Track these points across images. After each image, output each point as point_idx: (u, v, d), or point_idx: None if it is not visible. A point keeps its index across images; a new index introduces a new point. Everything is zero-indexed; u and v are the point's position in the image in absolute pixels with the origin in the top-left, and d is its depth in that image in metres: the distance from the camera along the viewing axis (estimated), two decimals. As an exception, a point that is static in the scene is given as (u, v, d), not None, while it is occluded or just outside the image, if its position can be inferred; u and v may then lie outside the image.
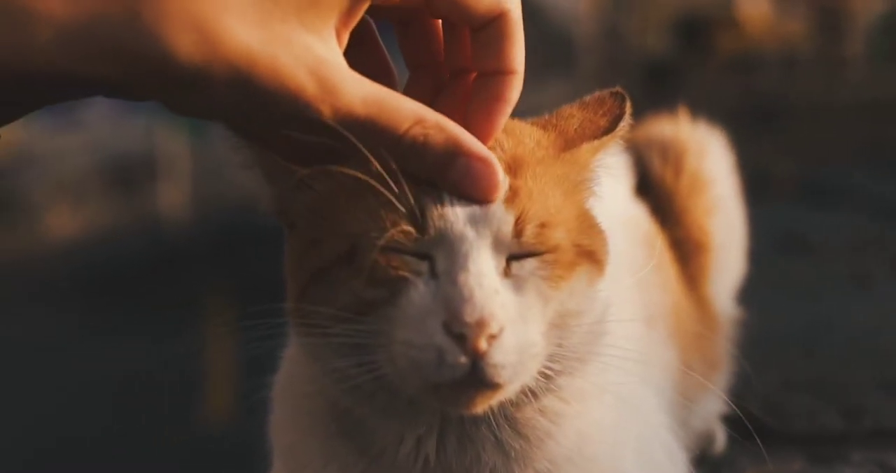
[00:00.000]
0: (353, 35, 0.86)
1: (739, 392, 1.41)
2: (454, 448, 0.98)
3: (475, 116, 0.90)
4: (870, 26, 9.72)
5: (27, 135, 6.58)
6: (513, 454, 0.97)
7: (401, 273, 0.86)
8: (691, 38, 9.85)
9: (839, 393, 1.74)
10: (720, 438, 1.46)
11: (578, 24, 8.78)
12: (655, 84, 8.14)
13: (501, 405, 0.92)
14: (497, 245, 0.86)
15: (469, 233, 0.86)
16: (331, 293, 0.89)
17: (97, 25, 0.72)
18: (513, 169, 0.90)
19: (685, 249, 1.43)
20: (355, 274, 0.87)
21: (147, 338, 3.50)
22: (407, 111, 0.81)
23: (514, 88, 0.90)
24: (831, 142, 5.45)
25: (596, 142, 0.97)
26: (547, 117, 1.00)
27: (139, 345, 3.43)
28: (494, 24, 0.87)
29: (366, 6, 0.82)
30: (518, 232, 0.87)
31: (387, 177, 0.85)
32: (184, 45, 0.73)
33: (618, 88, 1.02)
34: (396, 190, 0.85)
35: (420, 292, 0.86)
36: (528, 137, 0.94)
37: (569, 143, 0.97)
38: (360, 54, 0.90)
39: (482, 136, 0.89)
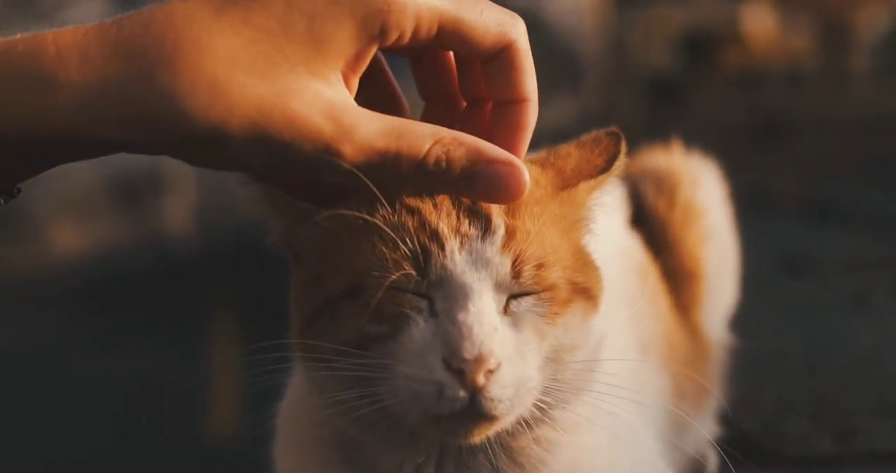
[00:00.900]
0: (364, 71, 0.88)
1: (735, 413, 1.42)
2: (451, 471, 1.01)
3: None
4: (875, 42, 9.71)
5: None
6: None
7: (402, 310, 0.90)
8: (696, 53, 9.84)
9: (835, 414, 1.76)
10: (712, 462, 1.47)
11: (583, 40, 8.77)
12: (660, 99, 8.15)
13: (498, 434, 0.95)
14: (497, 286, 0.90)
15: (469, 278, 0.89)
16: (334, 327, 0.93)
17: (113, 89, 0.75)
18: (510, 209, 0.93)
19: (678, 278, 1.46)
20: (359, 310, 0.91)
21: (152, 353, 3.51)
22: (423, 133, 0.83)
23: (530, 115, 0.93)
24: (836, 158, 5.44)
25: (592, 181, 1.01)
26: (545, 155, 1.04)
27: (144, 360, 3.44)
28: (503, 54, 0.89)
29: (373, 51, 0.84)
30: (516, 273, 0.91)
31: (393, 219, 0.89)
32: (198, 104, 0.75)
33: (613, 128, 1.05)
34: (401, 233, 0.89)
35: (420, 329, 0.89)
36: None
37: (566, 182, 1.00)
38: (371, 88, 0.93)
39: None
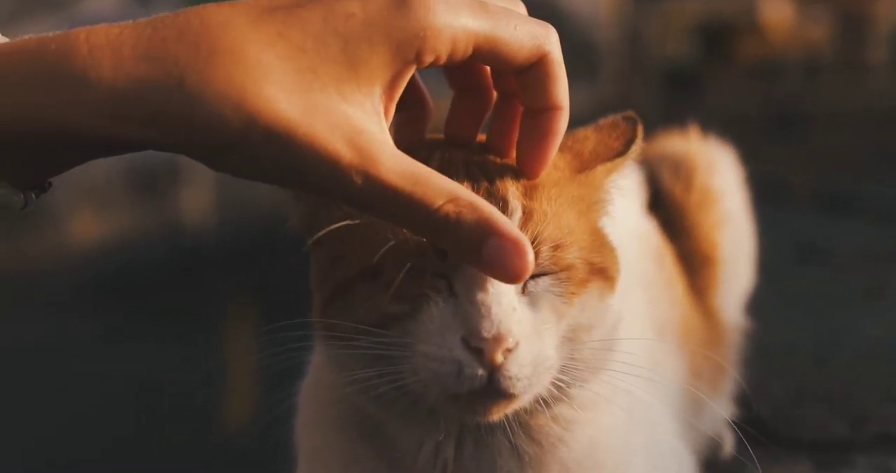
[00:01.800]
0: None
1: (749, 400, 1.44)
2: (471, 453, 1.03)
3: (526, 151, 0.94)
4: (892, 33, 9.66)
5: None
6: (527, 459, 1.03)
7: (422, 290, 0.91)
8: (713, 44, 9.81)
9: (847, 402, 1.77)
10: (728, 443, 1.49)
11: (600, 31, 8.77)
12: (676, 89, 8.13)
13: (516, 413, 0.97)
14: None
15: None
16: (354, 306, 0.94)
17: (143, 91, 0.76)
18: (528, 191, 0.95)
19: (694, 262, 1.47)
20: (379, 290, 0.92)
21: (169, 343, 3.52)
22: (442, 188, 0.81)
23: (562, 122, 0.93)
24: (852, 150, 5.42)
25: (609, 164, 1.02)
26: (563, 138, 1.03)
27: (161, 350, 3.44)
28: (536, 65, 0.89)
29: (409, 75, 0.84)
30: (535, 254, 0.89)
31: None
32: (225, 111, 0.76)
33: (630, 113, 1.06)
34: None
35: (440, 308, 0.91)
36: None
37: (584, 165, 1.02)
38: None
39: (534, 169, 0.94)
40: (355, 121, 0.79)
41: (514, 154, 0.97)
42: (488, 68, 0.98)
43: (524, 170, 0.96)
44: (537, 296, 0.93)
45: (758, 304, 1.63)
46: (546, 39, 0.89)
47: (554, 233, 0.93)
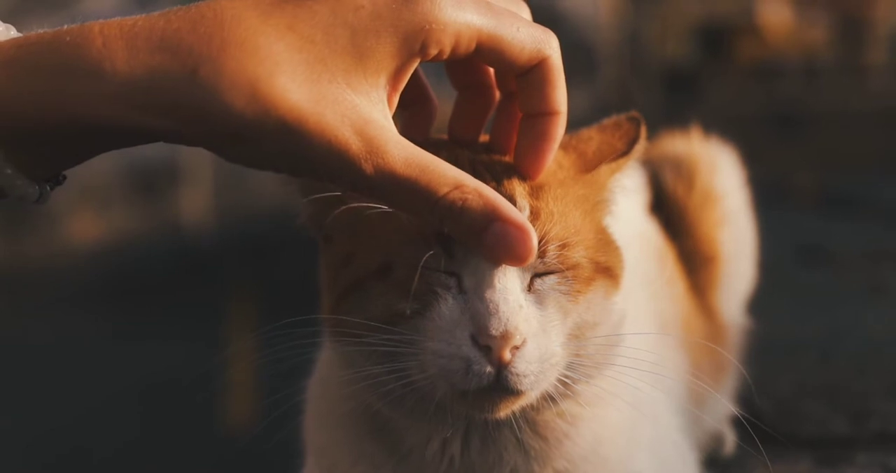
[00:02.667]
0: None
1: (752, 396, 1.45)
2: (478, 448, 1.05)
3: (524, 154, 0.96)
4: (891, 35, 9.67)
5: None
6: (533, 453, 1.04)
7: (431, 288, 0.93)
8: (711, 45, 9.81)
9: (848, 399, 1.79)
10: (729, 439, 1.51)
11: (599, 32, 8.76)
12: (675, 91, 8.13)
13: (523, 409, 0.98)
14: (522, 266, 0.92)
15: None
16: (364, 304, 0.96)
17: (157, 81, 0.77)
18: (535, 190, 0.97)
19: (695, 261, 1.48)
20: (389, 288, 0.94)
21: (169, 343, 3.52)
22: (447, 176, 0.84)
23: (559, 127, 0.95)
24: (852, 151, 5.43)
25: (613, 164, 1.04)
26: (567, 138, 1.06)
27: (161, 350, 3.45)
28: (536, 69, 0.91)
29: (414, 67, 0.86)
30: (541, 253, 0.93)
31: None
32: (238, 101, 0.77)
33: (634, 113, 1.08)
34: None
35: (449, 306, 0.92)
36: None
37: (588, 165, 1.04)
38: None
39: (531, 172, 0.96)
40: (362, 111, 0.82)
41: (512, 154, 0.99)
42: (489, 70, 0.99)
43: (522, 172, 0.97)
44: (544, 294, 0.94)
45: (760, 303, 1.65)
46: (547, 44, 0.91)
47: (560, 232, 0.95)
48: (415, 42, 0.83)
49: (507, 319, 0.89)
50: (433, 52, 0.85)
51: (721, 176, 1.58)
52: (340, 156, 0.80)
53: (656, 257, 1.37)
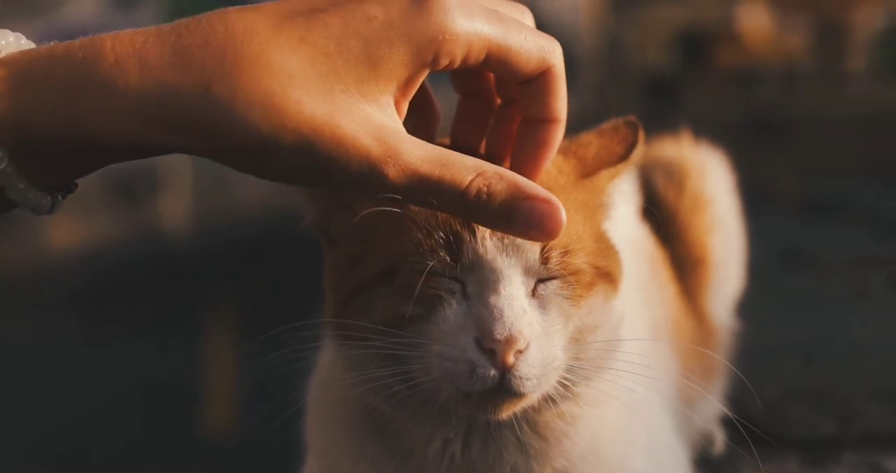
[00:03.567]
0: None
1: (740, 399, 1.46)
2: (479, 448, 1.07)
3: (520, 159, 0.97)
4: (871, 41, 9.73)
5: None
6: (532, 452, 1.06)
7: (436, 292, 0.94)
8: (692, 52, 9.86)
9: (835, 401, 1.82)
10: (719, 440, 1.54)
11: (580, 38, 8.79)
12: (656, 98, 8.17)
13: (524, 410, 1.00)
14: (526, 271, 0.94)
15: (499, 263, 0.93)
16: (369, 307, 0.97)
17: (170, 97, 0.78)
18: None
19: (685, 265, 1.49)
20: (394, 292, 0.96)
21: (149, 349, 3.51)
22: (467, 166, 0.85)
23: (558, 134, 0.96)
24: (833, 157, 5.46)
25: (612, 169, 1.06)
26: (567, 143, 1.07)
27: (141, 356, 3.43)
28: (540, 77, 0.92)
29: (424, 76, 0.87)
30: (545, 259, 0.95)
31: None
32: (252, 117, 0.78)
33: (631, 117, 1.10)
34: (435, 220, 0.94)
35: (454, 310, 0.94)
36: (551, 165, 1.01)
37: (587, 169, 1.06)
38: None
39: (527, 177, 0.94)
40: (375, 118, 0.82)
41: (508, 161, 1.00)
42: (490, 75, 1.01)
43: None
44: (546, 299, 0.96)
45: (745, 308, 1.66)
46: (552, 53, 0.92)
47: (563, 239, 0.96)
48: (427, 52, 0.84)
49: (512, 324, 0.91)
50: (444, 61, 0.85)
51: (711, 180, 1.60)
52: (361, 163, 0.81)
53: (648, 260, 1.38)
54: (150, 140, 0.80)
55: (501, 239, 0.94)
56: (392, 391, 0.98)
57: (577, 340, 0.98)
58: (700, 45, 9.75)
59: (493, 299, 0.92)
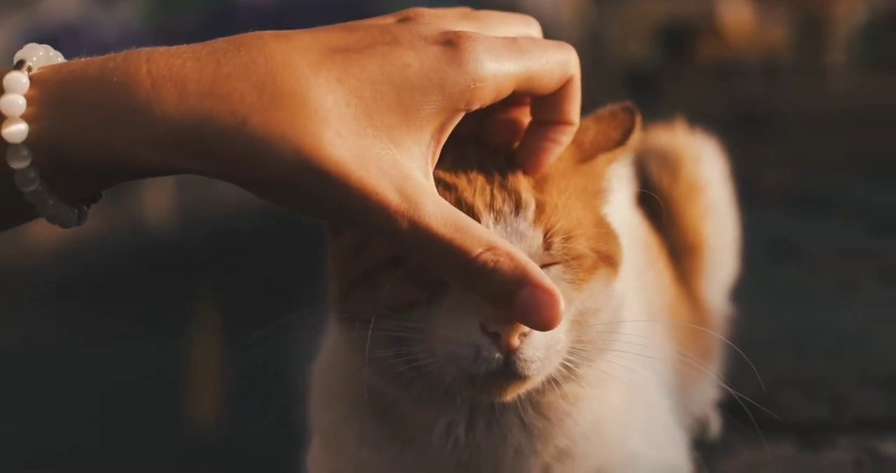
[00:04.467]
0: None
1: (733, 385, 1.47)
2: (483, 430, 1.08)
3: (528, 154, 1.00)
4: (851, 34, 9.77)
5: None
6: (535, 432, 1.08)
7: (441, 277, 0.95)
8: (673, 45, 9.89)
9: (827, 387, 1.84)
10: (715, 424, 1.56)
11: (561, 32, 8.78)
12: (637, 90, 8.17)
13: (528, 392, 1.01)
14: (530, 257, 0.93)
15: None
16: (375, 292, 0.98)
17: (206, 127, 0.79)
18: (539, 184, 1.00)
19: (680, 251, 1.50)
20: (401, 277, 0.97)
21: (133, 343, 3.50)
22: (481, 237, 0.86)
23: (569, 135, 0.99)
24: (817, 150, 5.48)
25: (610, 154, 1.07)
26: None
27: (125, 350, 3.43)
28: (559, 88, 0.95)
29: (457, 121, 0.88)
30: (547, 245, 0.97)
31: None
32: (285, 153, 0.79)
33: (628, 103, 1.11)
34: None
35: (458, 294, 0.95)
36: None
37: (585, 155, 1.07)
38: None
39: (532, 171, 1.00)
40: (403, 168, 0.84)
41: (512, 148, 1.02)
42: None
43: (522, 169, 1.01)
44: None
45: (735, 300, 1.67)
46: (570, 65, 0.95)
47: (565, 224, 0.98)
48: (461, 101, 0.86)
49: None
50: (476, 106, 0.88)
51: (705, 167, 1.62)
52: (380, 211, 0.82)
53: (643, 247, 1.39)
54: (179, 164, 0.81)
55: (505, 227, 0.96)
56: (397, 372, 0.99)
57: (579, 322, 1.00)
58: (681, 39, 9.77)
59: None
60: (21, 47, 0.84)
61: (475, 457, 1.08)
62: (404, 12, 0.94)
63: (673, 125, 1.66)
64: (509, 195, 0.97)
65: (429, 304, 0.96)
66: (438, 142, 0.88)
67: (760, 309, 2.02)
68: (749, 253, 1.68)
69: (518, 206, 0.96)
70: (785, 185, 4.52)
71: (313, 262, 1.13)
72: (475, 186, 0.97)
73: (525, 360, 0.93)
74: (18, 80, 0.80)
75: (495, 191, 0.97)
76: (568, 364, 0.99)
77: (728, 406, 1.46)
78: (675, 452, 1.22)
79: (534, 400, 1.05)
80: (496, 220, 0.95)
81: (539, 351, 0.93)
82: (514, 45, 0.90)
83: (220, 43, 0.83)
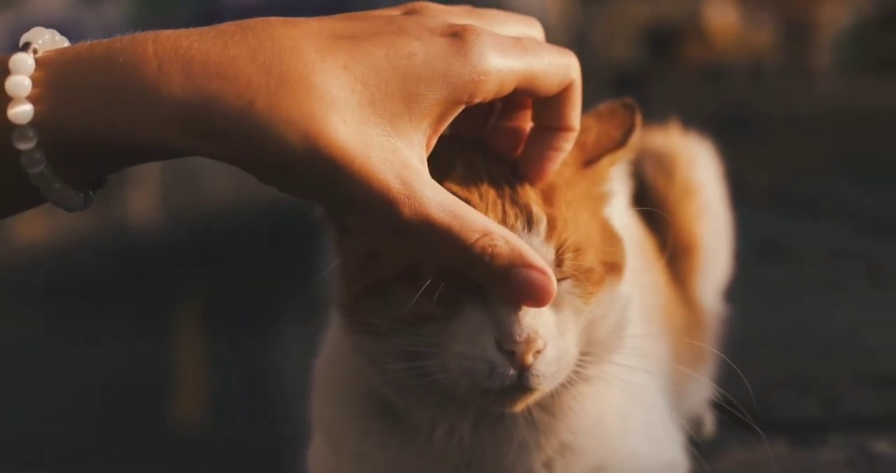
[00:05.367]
0: None
1: (726, 385, 1.48)
2: (488, 426, 1.10)
3: (530, 161, 1.01)
4: (836, 37, 9.81)
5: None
6: (541, 427, 1.10)
7: (458, 294, 0.97)
8: (659, 47, 9.92)
9: (819, 386, 1.86)
10: (709, 422, 1.58)
11: (548, 34, 8.76)
12: (623, 92, 8.16)
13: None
14: None
15: None
16: (389, 305, 1.00)
17: (212, 108, 0.79)
18: (547, 197, 1.01)
19: (675, 251, 1.51)
20: (416, 293, 0.97)
21: (118, 344, 3.50)
22: (478, 223, 0.88)
23: (571, 142, 1.00)
24: (802, 152, 5.50)
25: (612, 156, 1.09)
26: None
27: (110, 351, 3.43)
28: (560, 92, 0.96)
29: (457, 113, 0.90)
30: (559, 262, 0.99)
31: None
32: (291, 137, 0.80)
33: (628, 99, 1.13)
34: None
35: (474, 311, 0.97)
36: None
37: (588, 156, 1.08)
38: None
39: (534, 179, 1.01)
40: (402, 155, 0.85)
41: (515, 156, 1.03)
42: None
43: (527, 178, 1.02)
44: (560, 298, 0.99)
45: (726, 300, 1.67)
46: (571, 69, 0.96)
47: (575, 239, 1.00)
48: (463, 93, 0.87)
49: (529, 325, 0.94)
50: (478, 100, 0.89)
51: (699, 169, 1.62)
52: (380, 198, 0.83)
53: (640, 249, 1.40)
54: (184, 145, 0.81)
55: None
56: (408, 384, 1.02)
57: (588, 330, 1.02)
58: (667, 41, 9.81)
59: None
60: (6, 47, 0.85)
61: (479, 452, 1.10)
62: (410, 5, 0.95)
63: (667, 126, 1.68)
64: (521, 210, 0.98)
65: (445, 320, 0.98)
66: (436, 131, 0.90)
67: (752, 310, 2.03)
68: (740, 253, 1.69)
69: (530, 223, 0.98)
70: (772, 187, 4.53)
71: (298, 263, 1.13)
72: (487, 201, 0.98)
73: (538, 375, 0.95)
74: (24, 62, 0.80)
75: (507, 207, 0.98)
76: (578, 369, 1.02)
77: (721, 406, 1.47)
78: (672, 450, 1.24)
79: (541, 400, 1.06)
80: None
81: (551, 365, 0.96)
82: (518, 43, 0.91)
83: (227, 26, 0.84)
